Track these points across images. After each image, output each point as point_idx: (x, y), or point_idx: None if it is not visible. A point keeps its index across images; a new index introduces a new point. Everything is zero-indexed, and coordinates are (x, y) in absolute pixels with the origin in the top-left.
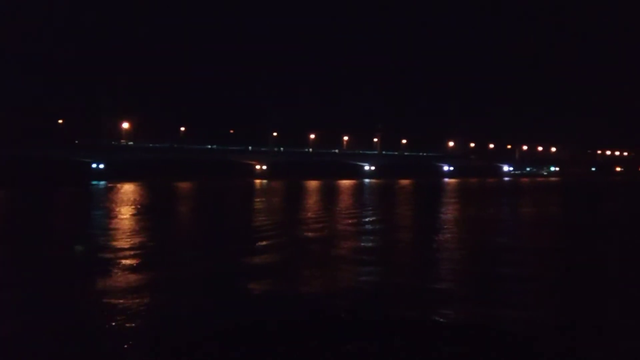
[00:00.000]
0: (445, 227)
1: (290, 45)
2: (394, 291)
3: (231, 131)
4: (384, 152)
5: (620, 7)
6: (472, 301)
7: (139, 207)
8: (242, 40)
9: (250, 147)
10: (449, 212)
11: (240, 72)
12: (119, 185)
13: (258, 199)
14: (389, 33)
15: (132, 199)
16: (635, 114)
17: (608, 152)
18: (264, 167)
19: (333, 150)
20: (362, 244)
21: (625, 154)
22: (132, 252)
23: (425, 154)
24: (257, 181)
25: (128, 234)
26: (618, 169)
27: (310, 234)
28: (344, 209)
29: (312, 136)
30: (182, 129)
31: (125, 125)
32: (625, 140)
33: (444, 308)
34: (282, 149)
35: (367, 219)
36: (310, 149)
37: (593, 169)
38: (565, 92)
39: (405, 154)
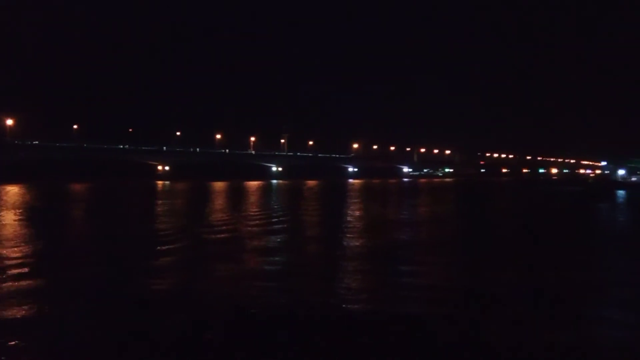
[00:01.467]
0: (350, 232)
1: (193, 44)
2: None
3: (130, 130)
4: (297, 154)
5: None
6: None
7: (17, 211)
8: (145, 38)
9: (164, 147)
10: (353, 214)
11: (143, 69)
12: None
13: (156, 202)
14: (290, 36)
15: (10, 202)
16: (519, 120)
17: (496, 155)
18: (167, 168)
19: (247, 151)
20: (268, 259)
21: (511, 156)
22: None
23: (331, 156)
24: (159, 182)
25: None
26: (504, 170)
27: (210, 247)
28: (250, 213)
29: (218, 136)
30: (75, 126)
31: (9, 122)
32: (511, 144)
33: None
34: (198, 149)
35: (273, 227)
36: (227, 150)
37: (483, 170)
38: (457, 98)
39: (319, 155)
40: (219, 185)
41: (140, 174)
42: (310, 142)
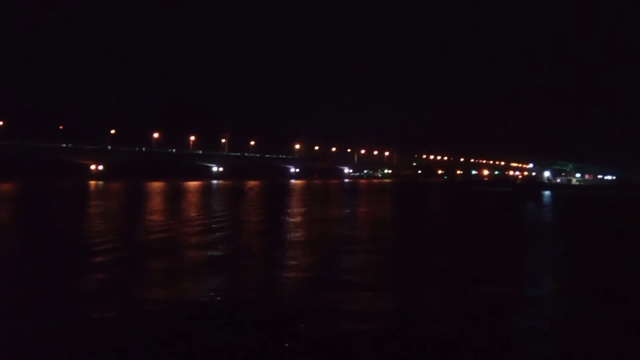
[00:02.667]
0: (292, 241)
1: (128, 37)
2: None
3: (60, 127)
4: (245, 154)
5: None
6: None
7: None
8: (75, 31)
9: (109, 147)
10: (292, 220)
11: (75, 65)
12: None
13: (81, 205)
14: (229, 34)
15: None
16: (454, 123)
17: (432, 157)
18: (100, 167)
19: (195, 152)
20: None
21: (446, 158)
22: None
23: (273, 156)
24: (92, 183)
25: None
26: (440, 171)
27: (147, 262)
28: (189, 217)
29: (156, 135)
30: (0, 123)
31: None
32: (446, 146)
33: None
34: (144, 148)
35: (214, 235)
36: (173, 150)
37: (420, 171)
38: (394, 101)
39: (262, 155)
40: (155, 185)
41: (73, 174)
42: (252, 142)
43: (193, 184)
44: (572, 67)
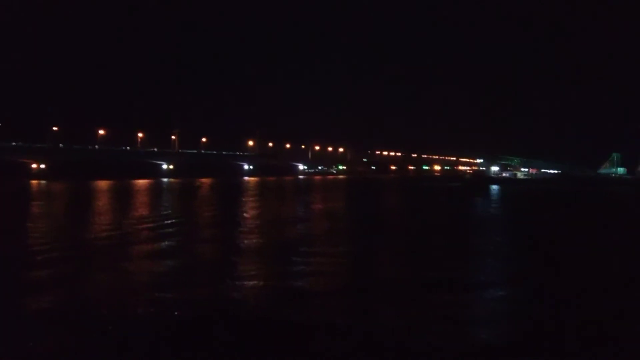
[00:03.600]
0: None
1: (83, 34)
2: None
3: None
4: (202, 151)
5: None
6: None
7: None
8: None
9: (61, 145)
10: (250, 215)
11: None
12: None
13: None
14: (180, 29)
15: None
16: (405, 119)
17: (385, 153)
18: (42, 166)
19: (150, 149)
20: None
21: (399, 154)
22: None
23: (225, 153)
24: (34, 182)
25: None
26: (392, 167)
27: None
28: (138, 218)
29: (102, 132)
30: None
31: None
32: (398, 142)
33: None
34: (96, 146)
35: (163, 243)
36: (128, 147)
37: (373, 167)
38: (347, 98)
39: (214, 152)
40: (96, 185)
41: (10, 173)
42: (204, 139)
43: (144, 183)
44: (518, 67)
